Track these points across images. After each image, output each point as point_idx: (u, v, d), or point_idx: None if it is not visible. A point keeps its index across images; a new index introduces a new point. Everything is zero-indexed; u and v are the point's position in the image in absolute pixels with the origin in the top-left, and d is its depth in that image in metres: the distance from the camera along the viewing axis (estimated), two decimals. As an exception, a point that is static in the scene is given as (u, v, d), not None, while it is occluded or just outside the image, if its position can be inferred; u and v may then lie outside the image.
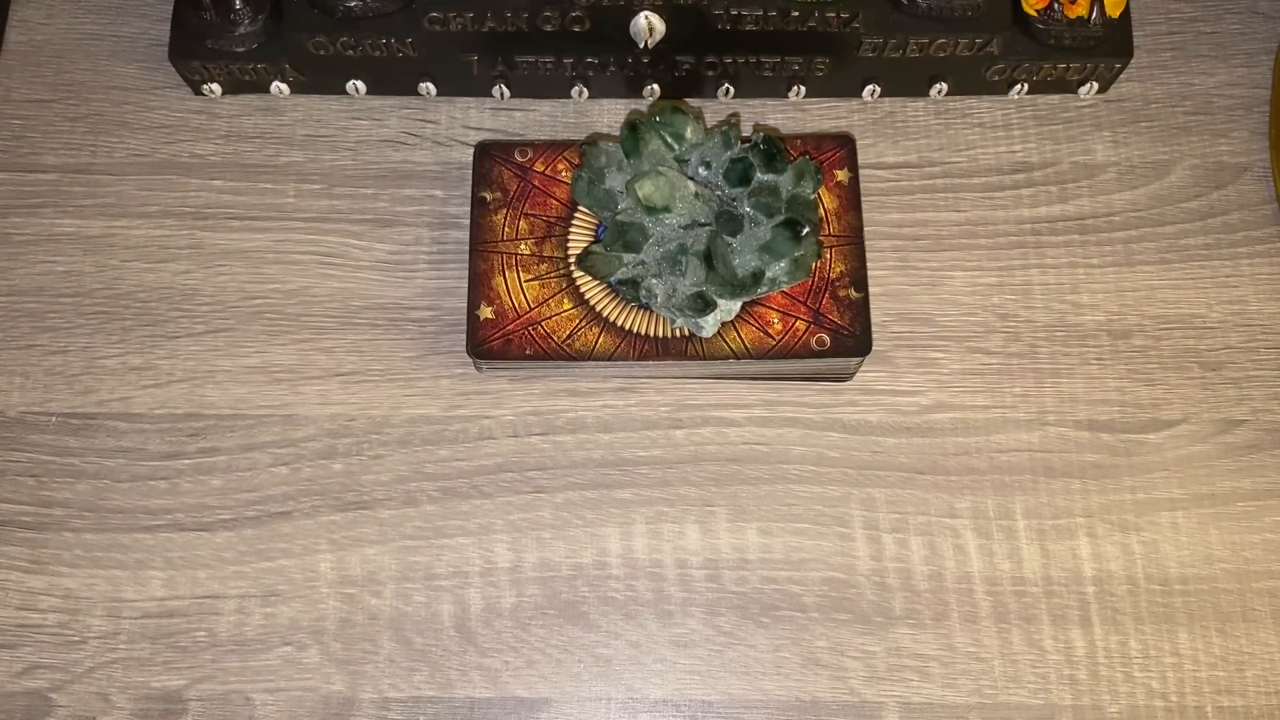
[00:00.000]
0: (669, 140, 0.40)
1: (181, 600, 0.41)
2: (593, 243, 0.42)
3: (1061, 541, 0.42)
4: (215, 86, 0.47)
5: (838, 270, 0.41)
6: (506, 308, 0.41)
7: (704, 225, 0.39)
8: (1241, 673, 0.41)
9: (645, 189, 0.39)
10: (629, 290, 0.40)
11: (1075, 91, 0.47)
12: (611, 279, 0.40)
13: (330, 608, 0.41)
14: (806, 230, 0.39)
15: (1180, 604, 0.41)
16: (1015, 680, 0.40)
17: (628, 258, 0.40)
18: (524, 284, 0.42)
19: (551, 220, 0.42)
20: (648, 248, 0.40)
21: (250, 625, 0.41)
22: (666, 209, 0.39)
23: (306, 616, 0.41)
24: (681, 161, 0.40)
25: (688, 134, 0.40)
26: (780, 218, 0.39)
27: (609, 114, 0.47)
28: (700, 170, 0.41)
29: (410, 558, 0.42)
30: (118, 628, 0.41)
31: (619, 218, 0.40)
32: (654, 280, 0.39)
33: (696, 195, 0.39)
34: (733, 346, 0.41)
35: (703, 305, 0.39)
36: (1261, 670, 0.41)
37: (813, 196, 0.40)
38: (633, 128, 0.40)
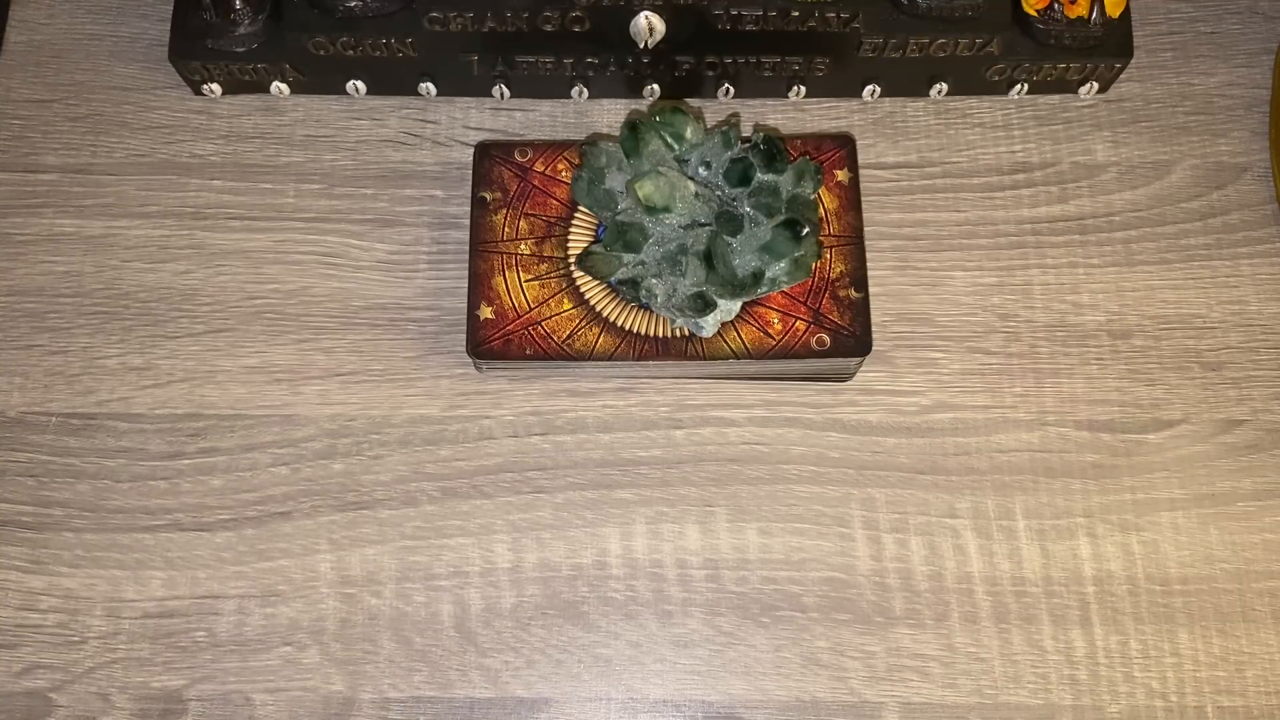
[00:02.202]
0: (669, 140, 0.40)
1: (181, 600, 0.41)
2: (593, 243, 0.42)
3: (1061, 541, 0.42)
4: (215, 86, 0.47)
5: (838, 270, 0.41)
6: (506, 308, 0.41)
7: (704, 225, 0.39)
8: (1241, 673, 0.41)
9: (645, 189, 0.39)
10: (629, 290, 0.40)
11: (1075, 91, 0.47)
12: (611, 279, 0.40)
13: (330, 608, 0.41)
14: (806, 230, 0.39)
15: (1180, 604, 0.41)
16: (1015, 680, 0.40)
17: (628, 258, 0.40)
18: (524, 284, 0.42)
19: (551, 220, 0.42)
20: (648, 248, 0.39)
21: (250, 625, 0.41)
22: (666, 209, 0.39)
23: (306, 616, 0.41)
24: (681, 161, 0.40)
25: (688, 134, 0.40)
26: (780, 218, 0.39)
27: (609, 114, 0.47)
28: (700, 170, 0.41)
29: (410, 558, 0.42)
30: (118, 628, 0.41)
31: (619, 218, 0.40)
32: (654, 280, 0.39)
33: (697, 195, 0.39)
34: (733, 346, 0.41)
35: (703, 305, 0.39)
36: (1261, 670, 0.41)
37: (813, 196, 0.40)
38: (633, 128, 0.40)
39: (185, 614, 0.41)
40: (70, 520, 0.42)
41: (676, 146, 0.40)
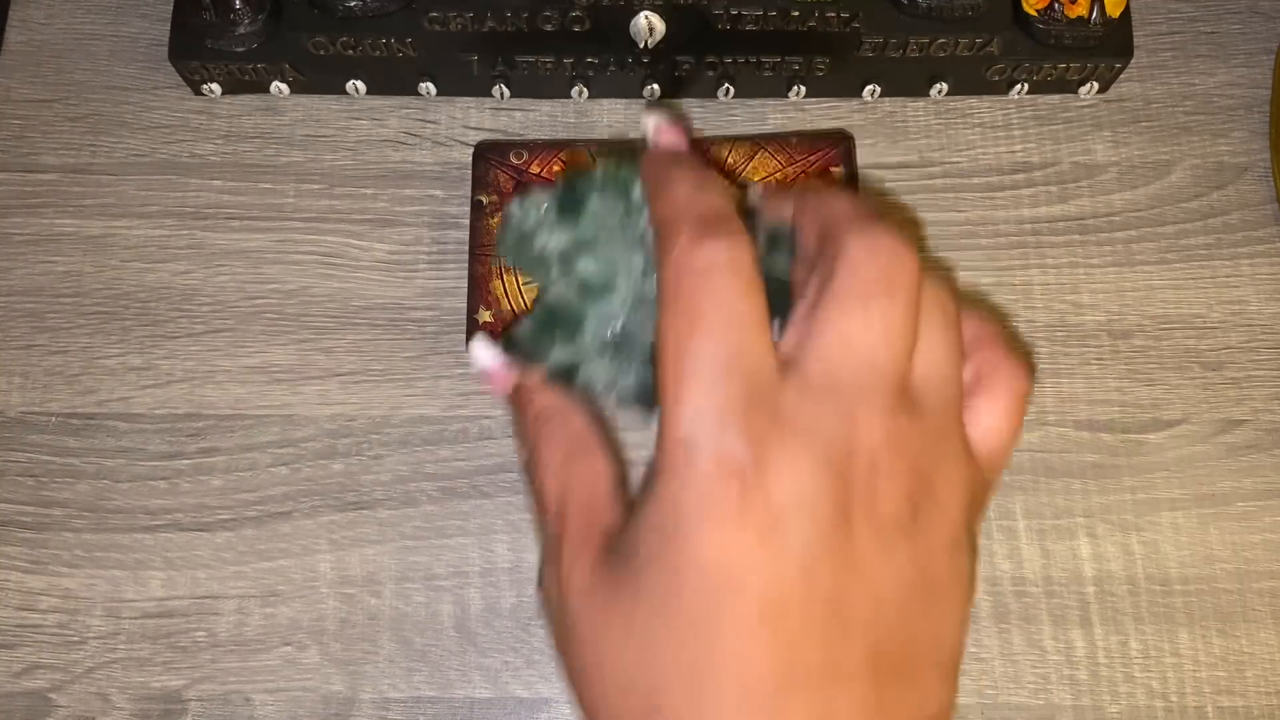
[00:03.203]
0: (614, 204, 0.32)
1: (181, 600, 0.41)
2: (529, 313, 0.33)
3: (1061, 541, 0.42)
4: (215, 86, 0.47)
5: (837, 270, 0.41)
6: (505, 311, 0.41)
7: (654, 303, 0.30)
8: (1241, 673, 0.41)
9: (583, 265, 0.31)
10: (563, 382, 0.31)
11: (1075, 91, 0.47)
12: (543, 365, 0.32)
13: (330, 608, 0.41)
14: (777, 321, 0.28)
15: (1180, 604, 0.41)
16: (1015, 680, 0.40)
17: (560, 343, 0.31)
18: (522, 287, 0.42)
19: (551, 220, 0.42)
20: (587, 327, 0.31)
21: (250, 625, 0.41)
22: (607, 288, 0.31)
23: (306, 616, 0.41)
24: (627, 217, 0.32)
25: (635, 196, 0.31)
26: None
27: (609, 114, 0.47)
28: (650, 234, 0.32)
29: (410, 558, 0.42)
30: (117, 628, 0.41)
31: (549, 297, 0.32)
32: (593, 364, 0.31)
33: (645, 271, 0.31)
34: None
35: (651, 401, 0.30)
36: (1261, 670, 0.41)
37: (788, 269, 0.30)
38: (571, 186, 0.32)
39: (185, 614, 0.41)
40: (70, 520, 0.42)
41: (623, 210, 0.32)
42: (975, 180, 0.46)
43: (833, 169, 0.43)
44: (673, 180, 0.28)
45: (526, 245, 0.32)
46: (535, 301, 0.32)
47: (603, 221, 0.32)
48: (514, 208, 0.33)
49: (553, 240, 0.32)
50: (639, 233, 0.32)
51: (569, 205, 0.32)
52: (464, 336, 0.42)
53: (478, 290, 0.41)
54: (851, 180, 0.43)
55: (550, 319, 0.32)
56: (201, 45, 0.45)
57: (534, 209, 0.33)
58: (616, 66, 0.46)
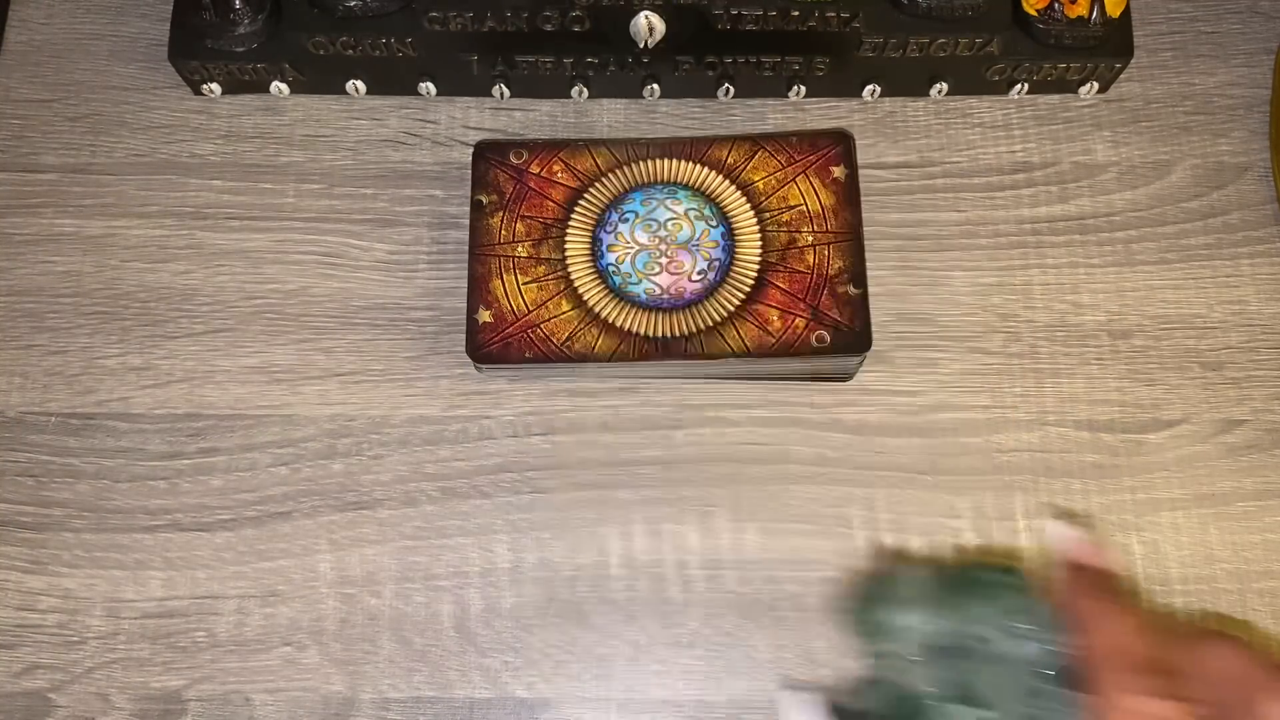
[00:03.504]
0: (1002, 610, 0.29)
1: (181, 600, 0.41)
2: (868, 688, 0.31)
3: (1061, 541, 0.42)
4: (215, 86, 0.47)
5: (836, 267, 0.41)
6: (505, 311, 0.41)
7: None
8: (1241, 673, 0.41)
9: (968, 671, 0.28)
10: None
11: (1075, 91, 0.47)
12: None
13: (330, 608, 0.41)
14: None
15: (1180, 604, 0.41)
16: (1015, 680, 0.40)
17: None
18: (522, 286, 0.42)
19: (548, 222, 0.42)
20: None
21: (250, 625, 0.41)
22: (981, 702, 0.28)
23: (306, 616, 0.41)
24: (1014, 628, 0.29)
25: (1023, 617, 0.29)
26: None
27: (609, 114, 0.47)
28: (1007, 643, 0.29)
29: (410, 558, 0.42)
30: (117, 628, 0.41)
31: (910, 689, 0.29)
32: None
33: (1028, 697, 0.28)
34: (733, 345, 0.41)
35: None
36: (1261, 670, 0.41)
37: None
38: (965, 578, 0.30)
39: (185, 614, 0.41)
40: (70, 520, 0.42)
41: (1010, 621, 0.29)
42: (975, 180, 0.46)
43: (833, 169, 0.43)
44: (1107, 616, 0.28)
45: (884, 615, 0.30)
46: (882, 682, 0.30)
47: (986, 627, 0.29)
48: (887, 571, 0.31)
49: (920, 624, 0.30)
50: (1022, 653, 0.29)
51: (953, 595, 0.30)
52: (464, 335, 0.42)
53: (478, 290, 0.41)
54: (852, 180, 0.42)
55: (905, 711, 0.29)
56: (201, 45, 0.45)
57: (909, 585, 0.31)
58: (616, 66, 0.46)
